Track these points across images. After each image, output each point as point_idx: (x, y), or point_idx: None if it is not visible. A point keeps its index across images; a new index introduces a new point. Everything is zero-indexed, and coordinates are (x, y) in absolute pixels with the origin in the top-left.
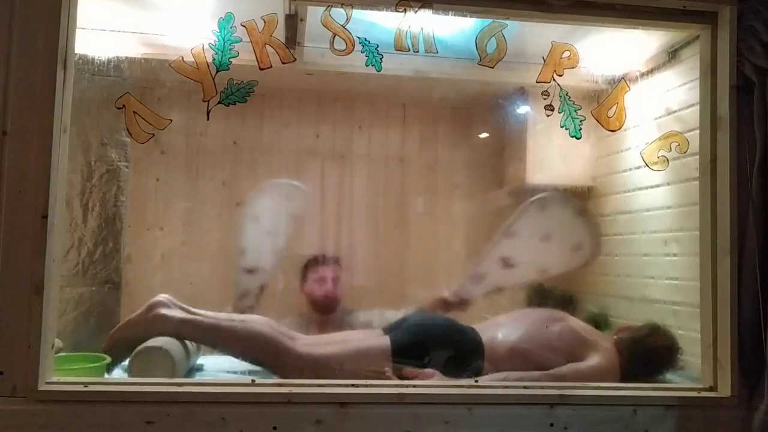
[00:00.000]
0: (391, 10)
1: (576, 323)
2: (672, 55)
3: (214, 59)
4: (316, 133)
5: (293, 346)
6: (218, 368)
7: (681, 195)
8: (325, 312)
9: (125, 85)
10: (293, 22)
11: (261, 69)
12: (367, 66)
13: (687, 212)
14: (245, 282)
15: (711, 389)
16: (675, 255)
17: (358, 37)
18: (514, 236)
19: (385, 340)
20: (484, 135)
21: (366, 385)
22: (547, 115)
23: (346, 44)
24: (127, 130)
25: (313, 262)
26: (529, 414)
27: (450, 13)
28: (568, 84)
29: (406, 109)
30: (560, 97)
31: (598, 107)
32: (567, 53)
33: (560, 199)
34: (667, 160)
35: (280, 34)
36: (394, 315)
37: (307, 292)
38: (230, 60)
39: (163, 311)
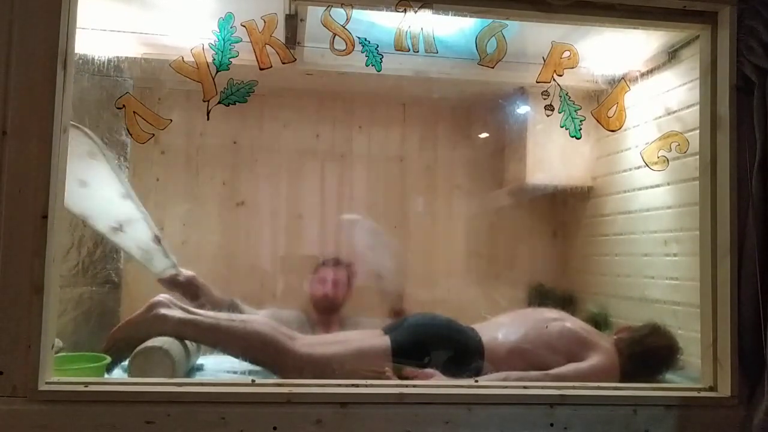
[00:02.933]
0: (391, 10)
1: (576, 323)
2: (672, 55)
3: (214, 59)
4: (316, 133)
5: (293, 346)
6: (218, 368)
7: (681, 195)
8: (324, 312)
9: (125, 85)
10: (293, 22)
11: (261, 69)
12: (367, 66)
13: (687, 212)
14: None
15: (711, 389)
16: (675, 255)
17: (358, 37)
18: None
19: (385, 340)
20: (484, 135)
21: (366, 385)
22: (547, 115)
23: (346, 44)
24: (127, 130)
25: (321, 264)
26: (529, 414)
27: (450, 13)
28: (568, 84)
29: (406, 109)
30: (560, 97)
31: (598, 107)
32: (567, 53)
33: None
34: (667, 160)
35: (280, 34)
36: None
37: (309, 291)
38: (230, 60)
39: (163, 311)
